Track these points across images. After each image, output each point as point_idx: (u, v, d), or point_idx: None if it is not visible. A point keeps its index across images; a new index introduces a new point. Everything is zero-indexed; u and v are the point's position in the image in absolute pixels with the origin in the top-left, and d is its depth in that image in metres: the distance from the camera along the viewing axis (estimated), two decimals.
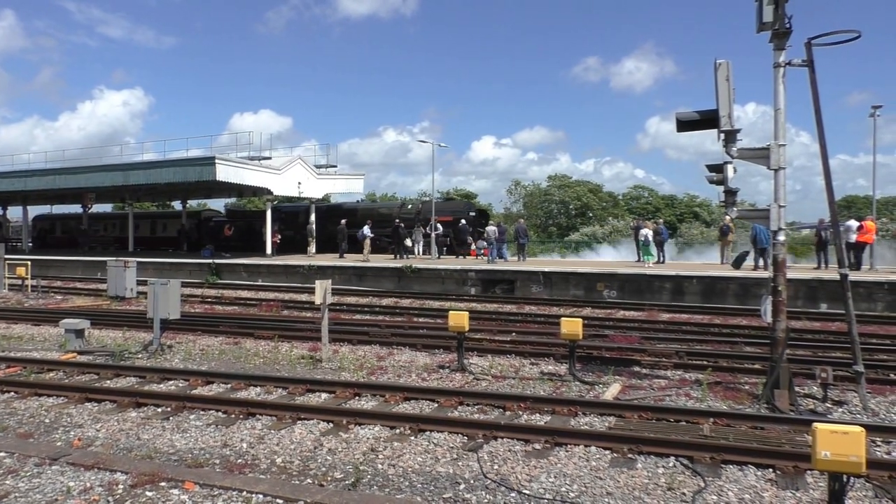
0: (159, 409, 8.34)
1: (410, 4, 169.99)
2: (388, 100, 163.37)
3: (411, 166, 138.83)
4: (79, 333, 12.59)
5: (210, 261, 29.80)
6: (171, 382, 9.87)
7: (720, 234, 25.66)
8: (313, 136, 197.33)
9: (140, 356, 11.95)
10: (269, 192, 32.96)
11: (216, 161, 29.18)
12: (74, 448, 6.90)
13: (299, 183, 33.59)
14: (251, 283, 27.06)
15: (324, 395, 9.05)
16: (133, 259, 22.51)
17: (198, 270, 29.36)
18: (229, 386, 9.52)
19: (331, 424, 7.62)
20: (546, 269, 22.63)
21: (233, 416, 8.00)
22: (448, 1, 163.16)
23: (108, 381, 9.99)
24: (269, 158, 34.25)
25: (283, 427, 7.58)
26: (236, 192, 46.48)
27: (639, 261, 25.38)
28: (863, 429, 4.36)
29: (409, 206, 36.62)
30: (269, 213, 33.95)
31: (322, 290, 11.33)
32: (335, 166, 37.44)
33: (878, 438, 7.05)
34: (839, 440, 4.31)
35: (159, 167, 32.28)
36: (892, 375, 9.83)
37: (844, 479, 4.49)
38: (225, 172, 29.53)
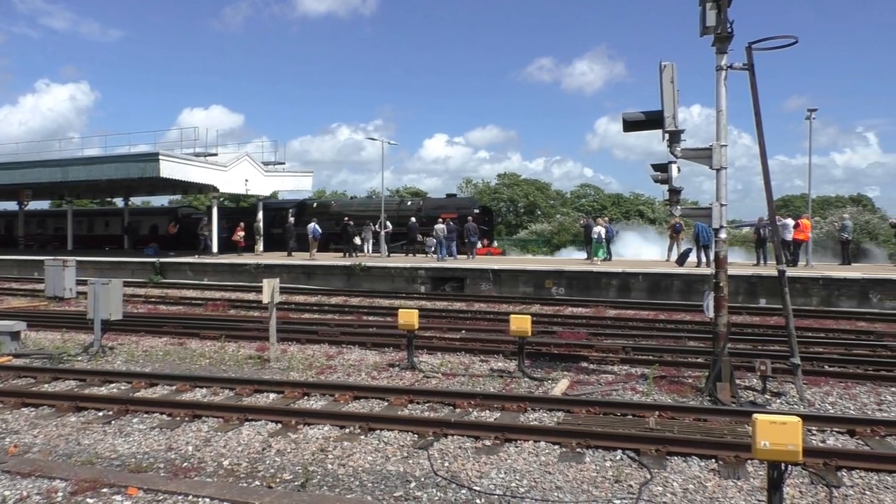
0: (100, 413, 8.09)
1: (370, 5, 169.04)
2: (344, 98, 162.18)
3: (364, 164, 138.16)
4: (14, 336, 12.10)
5: (154, 260, 29.04)
6: (112, 385, 9.58)
7: (672, 232, 26.25)
8: (266, 133, 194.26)
9: (80, 359, 11.58)
10: (214, 189, 32.27)
11: (160, 157, 28.43)
12: (10, 455, 6.65)
13: (246, 180, 32.99)
14: (197, 282, 26.48)
15: (272, 396, 8.92)
16: (72, 258, 21.79)
17: (141, 270, 28.57)
18: (174, 388, 9.30)
19: (279, 425, 7.52)
20: (495, 267, 22.77)
21: (178, 418, 7.82)
22: (406, 1, 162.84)
23: (46, 385, 9.64)
24: (216, 155, 33.51)
25: (231, 429, 7.44)
26: (181, 190, 45.40)
27: (588, 258, 25.77)
28: (800, 419, 4.51)
29: (410, 204, 35.70)
30: (214, 211, 33.25)
31: (270, 289, 11.17)
32: (283, 163, 36.91)
33: (813, 428, 7.31)
34: (777, 430, 4.45)
35: (100, 163, 31.27)
36: (826, 367, 10.21)
37: (783, 468, 4.64)
38: (169, 169, 28.80)
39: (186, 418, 7.80)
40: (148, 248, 33.96)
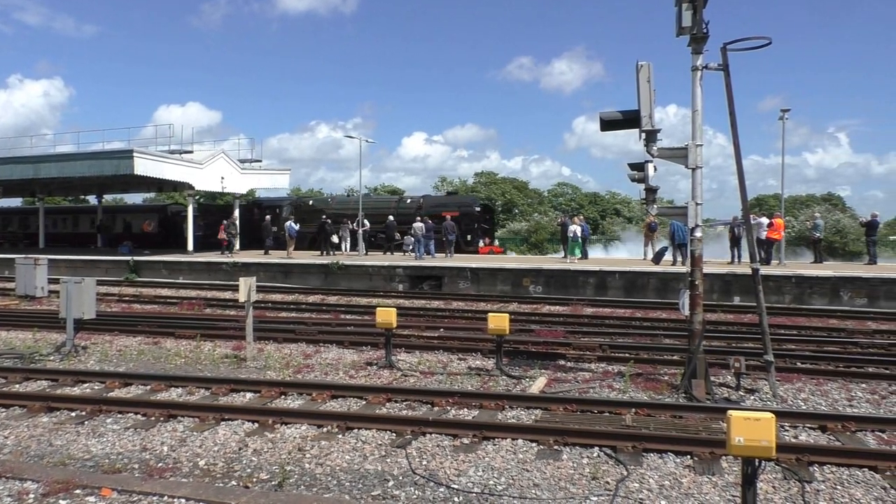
0: (73, 414, 7.97)
1: (350, 3, 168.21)
2: (323, 95, 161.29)
3: (342, 162, 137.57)
4: None
5: (128, 258, 28.67)
6: (86, 385, 9.44)
7: (647, 230, 26.46)
8: (244, 131, 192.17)
9: (52, 358, 11.40)
10: (190, 186, 31.95)
11: (134, 154, 28.05)
12: None
13: (222, 178, 32.70)
14: (172, 280, 26.20)
15: (248, 395, 8.85)
16: (44, 256, 21.42)
17: (115, 268, 28.19)
18: (149, 387, 9.19)
19: (256, 424, 7.46)
20: (473, 265, 22.81)
21: (153, 418, 7.73)
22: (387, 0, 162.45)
23: (17, 386, 9.47)
24: (192, 152, 33.17)
25: (206, 428, 7.37)
26: (156, 187, 44.79)
27: (564, 257, 25.89)
28: (773, 415, 4.57)
29: (409, 201, 35.04)
30: (190, 208, 32.93)
31: (246, 288, 11.08)
32: (260, 161, 36.63)
33: (786, 424, 7.42)
34: (751, 426, 4.50)
35: (73, 160, 30.74)
36: (799, 364, 10.37)
37: (756, 463, 4.70)
38: (144, 166, 28.43)
39: (161, 418, 7.71)
40: (122, 247, 33.49)
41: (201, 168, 31.76)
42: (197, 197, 38.45)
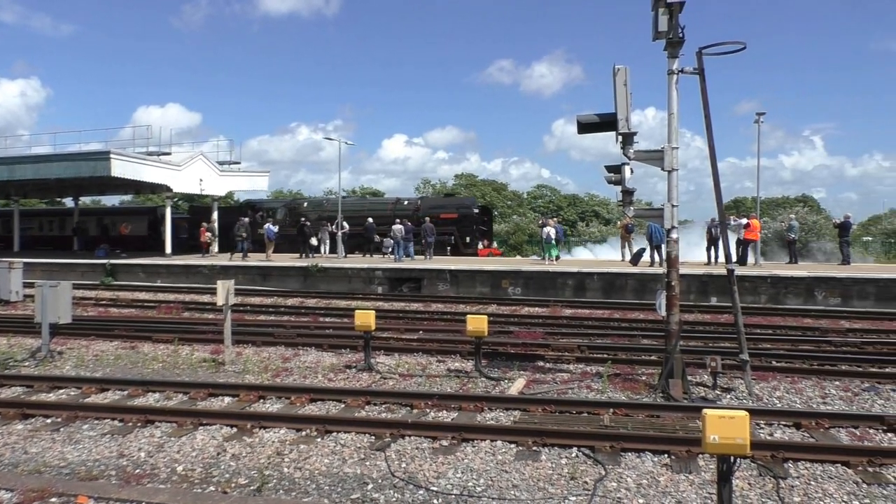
0: (48, 421, 7.87)
1: (333, 6, 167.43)
2: (304, 97, 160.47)
3: (323, 164, 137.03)
4: None
5: (105, 261, 28.34)
6: (61, 391, 9.32)
7: (625, 232, 26.66)
8: (224, 132, 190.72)
9: (27, 364, 11.24)
10: (168, 188, 31.64)
11: (111, 156, 27.70)
12: None
13: (200, 180, 32.38)
14: (150, 284, 25.93)
15: (227, 399, 8.79)
16: (19, 260, 21.12)
17: (91, 272, 27.85)
18: (126, 393, 9.10)
19: (234, 429, 7.42)
20: (453, 267, 22.83)
21: (130, 424, 7.65)
22: (370, 2, 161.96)
23: None
24: (170, 154, 32.85)
25: (184, 433, 7.31)
26: (133, 189, 44.36)
27: (543, 259, 26.02)
28: (747, 413, 4.64)
29: (406, 203, 34.46)
30: (168, 210, 32.62)
31: (224, 291, 11.00)
32: (239, 163, 36.36)
33: (761, 421, 7.53)
34: (726, 424, 4.57)
35: (49, 161, 30.27)
36: (774, 363, 10.52)
37: (732, 460, 4.77)
38: (121, 168, 28.09)
39: (139, 424, 7.64)
40: (98, 250, 33.07)
41: (179, 170, 31.47)
42: (176, 199, 38.13)
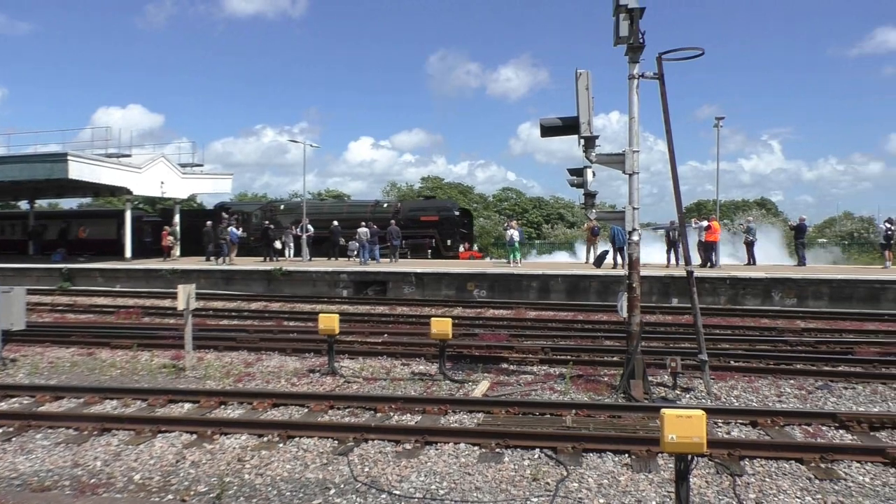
0: None
1: (299, 7, 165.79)
2: (269, 99, 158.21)
3: (288, 166, 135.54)
4: None
5: (61, 266, 27.68)
6: (14, 400, 9.05)
7: (590, 234, 26.92)
8: (187, 134, 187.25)
9: None
10: (128, 191, 31.03)
11: (69, 158, 27.06)
12: None
13: (162, 182, 31.84)
14: (109, 289, 25.40)
15: (187, 406, 8.65)
16: None
17: (47, 276, 27.16)
18: (82, 400, 8.88)
19: (194, 436, 7.31)
20: (418, 270, 22.82)
21: (85, 432, 7.47)
22: (337, 4, 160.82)
23: None
24: (130, 156, 32.22)
25: (143, 441, 7.18)
26: (92, 192, 43.39)
27: (509, 261, 26.15)
28: (704, 412, 4.72)
29: (386, 206, 34.09)
30: (128, 213, 31.99)
31: (185, 295, 10.82)
32: (202, 165, 35.85)
33: (719, 420, 7.67)
34: (684, 424, 4.65)
35: (4, 163, 29.42)
36: (732, 363, 10.72)
37: (689, 459, 4.85)
38: (79, 170, 27.45)
39: (95, 432, 7.47)
40: (55, 255, 32.28)
41: (140, 172, 30.87)
42: (137, 202, 37.40)
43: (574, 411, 7.89)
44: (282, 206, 36.88)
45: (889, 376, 9.83)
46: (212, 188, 37.44)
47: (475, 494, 5.78)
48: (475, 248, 35.70)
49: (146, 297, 22.50)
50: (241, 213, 35.62)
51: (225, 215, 32.58)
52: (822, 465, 6.26)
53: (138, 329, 14.94)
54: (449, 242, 31.61)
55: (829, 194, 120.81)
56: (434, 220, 31.52)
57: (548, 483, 5.98)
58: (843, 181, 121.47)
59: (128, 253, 31.27)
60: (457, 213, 33.26)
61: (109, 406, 8.69)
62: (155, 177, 31.61)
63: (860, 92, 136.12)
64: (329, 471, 6.34)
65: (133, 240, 32.31)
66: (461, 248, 31.69)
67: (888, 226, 23.10)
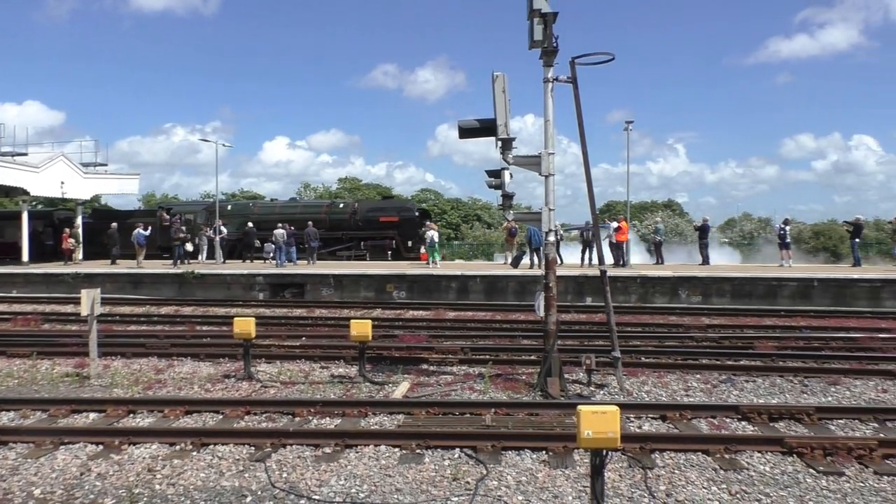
0: None
1: (211, 4, 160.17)
2: (179, 98, 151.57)
3: (200, 166, 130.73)
4: None
5: None
6: None
7: (508, 235, 27.31)
8: (90, 133, 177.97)
9: None
10: (24, 192, 29.29)
11: None
12: None
13: (62, 183, 30.21)
14: (4, 294, 23.87)
15: (92, 416, 8.24)
16: None
17: None
18: None
19: (100, 446, 6.97)
20: (336, 272, 22.57)
21: None
22: (249, 3, 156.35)
23: None
24: (26, 154, 30.41)
25: (43, 454, 6.79)
26: None
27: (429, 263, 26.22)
28: (617, 408, 4.88)
29: (342, 206, 33.02)
30: (24, 215, 30.18)
31: (89, 300, 10.31)
32: (106, 165, 34.24)
33: (632, 415, 7.94)
34: (599, 419, 4.79)
35: None
36: (643, 359, 11.12)
37: (604, 454, 5.00)
38: None
39: None
40: None
41: (37, 172, 29.16)
42: (34, 203, 35.36)
43: (493, 410, 7.99)
44: (229, 207, 35.40)
45: (786, 369, 10.43)
46: (117, 188, 35.80)
47: (396, 496, 5.77)
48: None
49: (46, 302, 21.30)
50: (182, 213, 33.95)
51: (166, 216, 31.27)
52: (727, 456, 6.58)
53: (38, 336, 14.13)
54: (410, 244, 31.02)
55: (730, 196, 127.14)
56: (394, 220, 30.88)
57: (468, 482, 6.03)
58: (742, 183, 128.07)
59: (25, 257, 29.53)
60: (417, 213, 32.70)
61: (6, 418, 8.17)
62: (54, 177, 29.96)
63: (756, 99, 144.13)
64: (246, 478, 6.17)
65: (32, 243, 30.53)
66: (422, 249, 31.46)
67: (783, 226, 24.53)
